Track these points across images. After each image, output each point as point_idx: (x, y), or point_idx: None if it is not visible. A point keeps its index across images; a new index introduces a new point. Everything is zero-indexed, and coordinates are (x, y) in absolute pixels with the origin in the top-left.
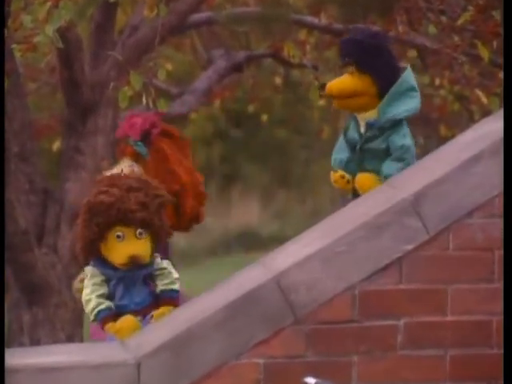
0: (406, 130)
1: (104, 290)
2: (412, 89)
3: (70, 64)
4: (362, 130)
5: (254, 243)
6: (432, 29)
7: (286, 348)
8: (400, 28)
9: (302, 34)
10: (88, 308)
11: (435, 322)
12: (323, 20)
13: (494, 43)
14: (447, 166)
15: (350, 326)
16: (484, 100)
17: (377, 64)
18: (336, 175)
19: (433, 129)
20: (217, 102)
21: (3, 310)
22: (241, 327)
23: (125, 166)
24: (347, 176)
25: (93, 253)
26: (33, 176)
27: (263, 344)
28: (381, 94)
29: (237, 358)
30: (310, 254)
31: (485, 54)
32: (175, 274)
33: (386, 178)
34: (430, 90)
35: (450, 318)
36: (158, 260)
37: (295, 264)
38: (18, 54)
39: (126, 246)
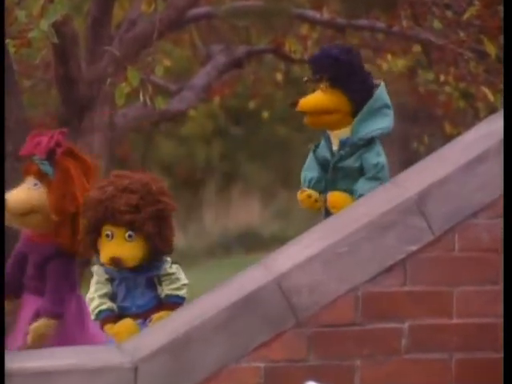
0: (379, 148)
1: (107, 289)
2: (386, 106)
3: (65, 60)
4: (335, 148)
5: (254, 244)
6: (437, 24)
7: (288, 351)
8: (404, 23)
9: (304, 29)
10: (91, 306)
11: (440, 325)
12: (325, 14)
13: (501, 39)
14: (452, 165)
15: (352, 329)
16: (490, 97)
17: (351, 81)
18: (302, 195)
19: (437, 126)
20: (216, 99)
21: (3, 311)
22: (241, 330)
23: (29, 185)
24: (315, 195)
25: (91, 247)
26: None
27: (264, 347)
28: (355, 111)
29: (237, 362)
30: (311, 255)
31: (491, 49)
32: (183, 281)
33: (360, 197)
34: (435, 86)
35: (455, 320)
36: (167, 265)
37: (297, 265)
38: (12, 50)
39: (111, 246)
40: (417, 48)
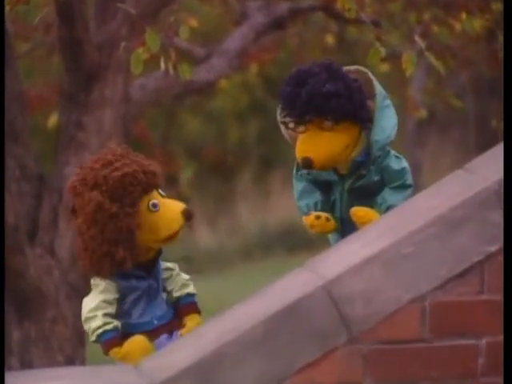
0: (392, 151)
1: (112, 309)
2: (385, 97)
3: (70, 19)
4: (343, 171)
5: (298, 243)
6: None
7: (339, 373)
8: None
9: None
10: (90, 326)
11: None
12: None
13: None
14: None
15: (418, 347)
16: None
17: (354, 105)
18: (310, 218)
19: None
20: (253, 67)
21: (3, 332)
22: (283, 347)
23: None
24: (324, 214)
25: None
26: (24, 159)
27: (310, 368)
28: (362, 126)
29: None
30: (368, 256)
31: None
32: (185, 275)
33: (389, 209)
34: None
35: None
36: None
37: (350, 269)
38: (6, 8)
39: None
40: (497, 6)
